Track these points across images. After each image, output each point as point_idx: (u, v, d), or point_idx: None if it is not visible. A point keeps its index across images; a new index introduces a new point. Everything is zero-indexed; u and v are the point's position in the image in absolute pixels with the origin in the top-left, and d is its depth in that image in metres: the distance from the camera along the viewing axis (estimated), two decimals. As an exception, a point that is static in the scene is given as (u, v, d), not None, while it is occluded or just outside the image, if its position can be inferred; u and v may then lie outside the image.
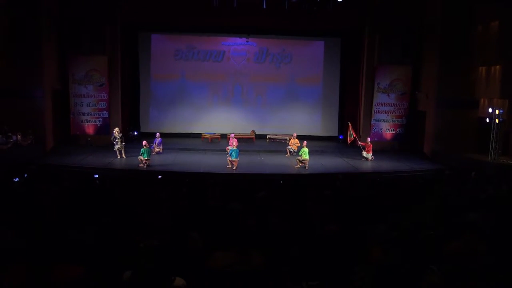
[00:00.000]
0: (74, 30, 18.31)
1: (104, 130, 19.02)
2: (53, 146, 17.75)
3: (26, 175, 10.71)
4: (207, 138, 20.87)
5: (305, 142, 16.24)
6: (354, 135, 18.31)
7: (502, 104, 16.16)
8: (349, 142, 18.67)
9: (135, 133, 20.56)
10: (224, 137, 20.44)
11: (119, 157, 16.55)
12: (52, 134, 17.80)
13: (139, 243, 4.26)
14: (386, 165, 16.94)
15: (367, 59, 19.87)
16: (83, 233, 4.78)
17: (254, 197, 7.82)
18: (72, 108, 18.93)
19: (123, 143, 16.74)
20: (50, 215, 5.93)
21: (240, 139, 18.69)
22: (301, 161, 15.78)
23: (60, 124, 18.59)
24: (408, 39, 19.38)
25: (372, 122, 20.02)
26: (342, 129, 21.68)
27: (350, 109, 21.45)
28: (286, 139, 19.46)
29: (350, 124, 18.54)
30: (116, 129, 16.95)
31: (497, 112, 15.77)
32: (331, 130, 22.49)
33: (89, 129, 19.18)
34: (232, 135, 17.81)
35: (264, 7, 17.75)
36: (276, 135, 21.54)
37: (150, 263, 3.83)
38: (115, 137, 16.63)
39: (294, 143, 18.02)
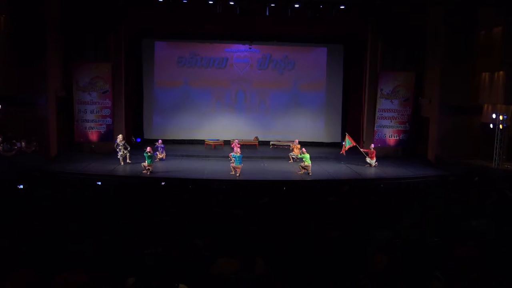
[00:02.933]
0: (78, 37, 18.46)
1: (108, 137, 19.08)
2: (57, 153, 17.81)
3: (30, 182, 10.73)
4: (210, 144, 20.91)
5: (303, 149, 16.22)
6: (354, 143, 18.07)
7: (506, 110, 16.12)
8: (342, 151, 18.07)
9: (139, 140, 20.62)
10: (228, 143, 20.48)
11: (122, 164, 16.56)
12: (56, 141, 17.87)
13: (144, 250, 4.26)
14: (390, 171, 16.90)
15: (370, 65, 19.90)
16: (86, 239, 4.79)
17: (257, 204, 7.81)
18: (76, 115, 19.02)
19: (127, 150, 16.75)
20: (54, 221, 5.93)
21: (243, 146, 18.68)
22: (304, 167, 15.76)
23: (64, 131, 18.67)
24: (411, 45, 19.41)
25: (375, 128, 20.02)
26: (345, 135, 21.59)
27: (353, 115, 21.46)
28: (289, 145, 19.45)
29: (347, 134, 18.40)
30: (120, 135, 16.99)
31: (500, 118, 15.73)
32: (334, 136, 22.46)
33: (93, 136, 19.25)
34: (236, 141, 17.83)
35: (267, 14, 17.84)
36: (279, 141, 21.56)
37: (154, 270, 3.82)
38: (118, 144, 16.67)
39: (296, 150, 17.96)
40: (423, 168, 17.52)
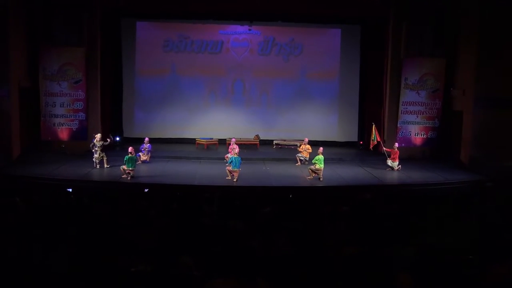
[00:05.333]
0: (46, 17, 18.43)
1: (81, 135, 19.08)
2: (20, 154, 17.82)
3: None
4: (202, 144, 20.93)
5: (320, 149, 16.21)
6: (379, 139, 18.29)
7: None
8: (371, 147, 18.65)
9: (118, 139, 20.60)
10: (223, 143, 20.51)
11: (98, 167, 16.56)
12: (19, 139, 17.86)
13: (125, 268, 4.28)
14: (416, 175, 16.91)
15: (392, 51, 19.88)
16: (55, 256, 4.80)
17: (258, 214, 7.82)
18: (42, 109, 19.00)
19: (103, 153, 16.74)
20: (17, 234, 5.95)
21: (242, 145, 18.70)
22: (314, 171, 15.78)
23: (29, 128, 18.66)
24: (440, 26, 19.41)
25: (398, 125, 20.02)
26: (363, 133, 21.67)
27: (372, 109, 21.44)
28: (296, 145, 19.48)
29: (374, 126, 18.49)
30: (98, 135, 16.91)
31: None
32: (350, 134, 22.50)
33: (63, 133, 19.24)
34: (233, 140, 17.85)
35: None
36: (284, 140, 21.59)
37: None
38: (95, 145, 16.64)
39: (305, 150, 18.04)
40: (455, 172, 17.52)
